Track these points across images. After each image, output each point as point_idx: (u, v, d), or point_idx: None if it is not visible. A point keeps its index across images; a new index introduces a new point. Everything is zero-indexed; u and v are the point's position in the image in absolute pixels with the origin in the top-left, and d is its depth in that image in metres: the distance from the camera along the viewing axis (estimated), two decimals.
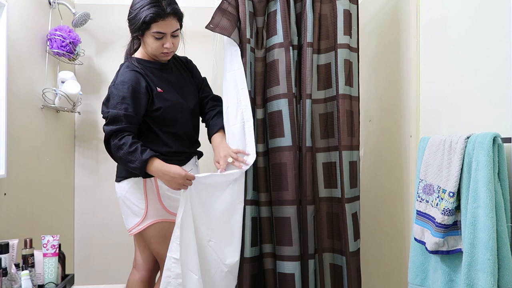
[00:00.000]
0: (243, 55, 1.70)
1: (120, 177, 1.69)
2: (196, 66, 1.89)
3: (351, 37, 1.75)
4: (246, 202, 1.69)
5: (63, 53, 2.16)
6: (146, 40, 1.63)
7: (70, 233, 2.49)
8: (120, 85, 1.58)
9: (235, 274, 1.66)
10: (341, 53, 1.73)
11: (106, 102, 1.61)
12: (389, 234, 2.01)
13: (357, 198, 1.78)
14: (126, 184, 1.65)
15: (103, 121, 2.51)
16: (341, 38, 1.73)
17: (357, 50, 1.79)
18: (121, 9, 2.47)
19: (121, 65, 1.68)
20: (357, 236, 1.76)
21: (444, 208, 1.25)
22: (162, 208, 1.64)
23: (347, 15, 1.74)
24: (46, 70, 2.13)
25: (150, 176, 1.58)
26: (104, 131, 1.57)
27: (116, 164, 1.72)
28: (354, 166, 1.75)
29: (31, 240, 1.56)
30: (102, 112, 1.61)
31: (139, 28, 1.60)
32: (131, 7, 1.62)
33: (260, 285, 1.76)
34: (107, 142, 1.58)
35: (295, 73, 1.75)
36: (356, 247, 1.75)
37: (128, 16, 1.63)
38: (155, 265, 1.79)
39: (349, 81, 1.75)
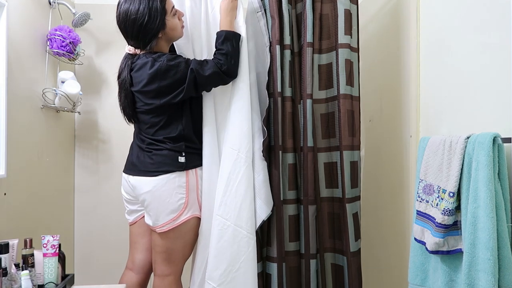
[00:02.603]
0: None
1: (158, 171, 1.60)
2: None
3: (351, 37, 1.75)
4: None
5: (63, 53, 2.15)
6: (169, 25, 1.62)
7: (70, 233, 2.49)
8: (169, 57, 1.59)
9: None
10: (342, 53, 1.73)
11: (172, 75, 1.58)
12: (389, 234, 2.01)
13: (358, 198, 1.78)
14: (164, 178, 1.60)
15: (103, 121, 2.57)
16: (342, 38, 1.73)
17: (357, 50, 1.79)
18: None
19: (145, 63, 1.59)
20: (357, 236, 1.76)
21: (444, 208, 1.25)
22: (198, 204, 1.65)
23: (348, 15, 1.74)
24: (46, 70, 2.13)
25: (191, 167, 1.64)
26: (215, 73, 1.61)
27: (146, 160, 1.65)
28: (355, 166, 1.75)
29: (31, 240, 1.56)
30: (196, 73, 1.59)
31: (159, 19, 1.57)
32: (134, 15, 1.56)
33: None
34: (224, 72, 1.62)
35: (292, 73, 1.76)
36: (357, 247, 1.75)
37: (137, 25, 1.57)
38: (151, 268, 1.77)
39: (350, 81, 1.75)
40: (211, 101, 1.71)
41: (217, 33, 1.67)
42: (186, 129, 1.65)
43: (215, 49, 1.66)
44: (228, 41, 1.64)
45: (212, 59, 1.64)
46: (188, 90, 1.60)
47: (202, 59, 1.66)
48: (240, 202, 1.63)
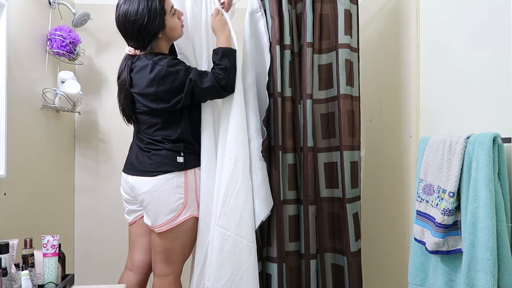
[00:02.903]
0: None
1: (156, 171, 1.60)
2: None
3: (351, 37, 1.75)
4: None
5: (63, 53, 2.15)
6: (169, 25, 1.62)
7: (70, 233, 2.49)
8: (170, 63, 1.58)
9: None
10: (342, 53, 1.73)
11: (170, 81, 1.58)
12: (389, 234, 2.01)
13: (358, 198, 1.78)
14: (163, 178, 1.60)
15: (103, 121, 2.57)
16: (342, 38, 1.73)
17: (357, 50, 1.79)
18: None
19: (146, 65, 1.59)
20: (358, 236, 1.76)
21: (444, 208, 1.25)
22: (196, 204, 1.66)
23: (348, 15, 1.74)
24: (46, 70, 2.13)
25: (190, 167, 1.64)
26: (213, 87, 1.62)
27: (148, 160, 1.65)
28: (355, 166, 1.75)
29: (31, 240, 1.56)
30: (192, 83, 1.59)
31: (159, 20, 1.57)
32: (133, 16, 1.55)
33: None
34: (222, 87, 1.63)
35: (292, 73, 1.77)
36: (357, 247, 1.75)
37: (136, 26, 1.56)
38: (151, 268, 1.77)
39: (350, 81, 1.75)
40: (210, 107, 1.72)
41: (214, 50, 1.68)
42: (185, 132, 1.65)
43: (213, 64, 1.67)
44: (226, 57, 1.65)
45: (211, 72, 1.65)
46: (185, 99, 1.61)
47: (203, 70, 1.67)
48: (239, 211, 1.63)
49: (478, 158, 1.14)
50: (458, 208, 1.24)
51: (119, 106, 1.71)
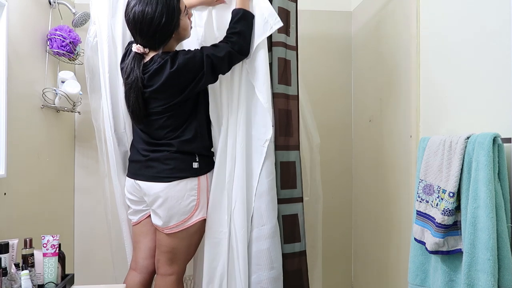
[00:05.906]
0: None
1: (171, 177, 1.61)
2: None
3: (288, 36, 1.78)
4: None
5: (63, 53, 2.15)
6: (182, 24, 1.61)
7: (70, 233, 2.49)
8: (184, 52, 1.60)
9: None
10: (275, 51, 1.76)
11: (195, 59, 1.58)
12: (389, 234, 2.01)
13: (293, 200, 1.79)
14: (177, 184, 1.60)
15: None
16: (275, 36, 1.76)
17: (295, 48, 1.81)
18: None
19: (164, 63, 1.56)
20: (290, 239, 1.78)
21: (444, 208, 1.25)
22: (206, 206, 1.67)
23: (282, 12, 1.75)
24: (46, 70, 2.13)
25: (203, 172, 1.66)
26: (229, 53, 1.62)
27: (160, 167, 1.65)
28: (289, 167, 1.79)
29: (31, 240, 1.56)
30: (213, 60, 1.59)
31: (176, 19, 1.57)
32: (151, 14, 1.53)
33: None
34: (237, 51, 1.64)
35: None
36: (290, 250, 1.78)
37: (154, 25, 1.54)
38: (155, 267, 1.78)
39: (284, 80, 1.76)
40: (220, 102, 1.72)
41: (233, 11, 1.67)
42: (200, 132, 1.66)
43: (228, 27, 1.67)
44: (244, 20, 1.65)
45: (222, 41, 1.65)
46: (207, 76, 1.59)
47: (211, 45, 1.66)
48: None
49: (478, 158, 1.14)
50: (458, 208, 1.24)
51: (128, 108, 1.65)
